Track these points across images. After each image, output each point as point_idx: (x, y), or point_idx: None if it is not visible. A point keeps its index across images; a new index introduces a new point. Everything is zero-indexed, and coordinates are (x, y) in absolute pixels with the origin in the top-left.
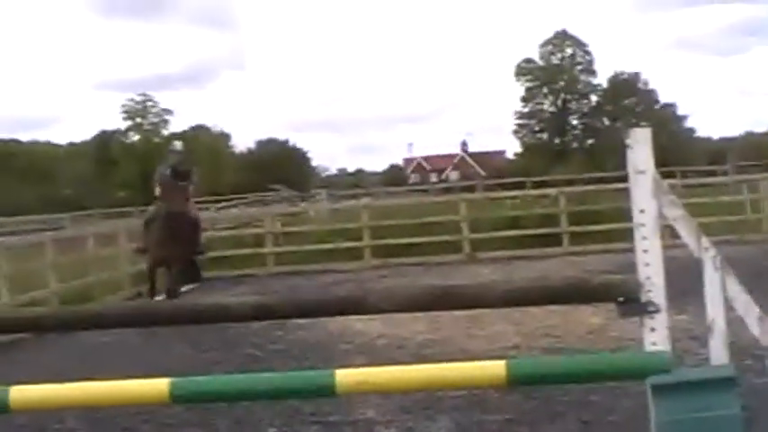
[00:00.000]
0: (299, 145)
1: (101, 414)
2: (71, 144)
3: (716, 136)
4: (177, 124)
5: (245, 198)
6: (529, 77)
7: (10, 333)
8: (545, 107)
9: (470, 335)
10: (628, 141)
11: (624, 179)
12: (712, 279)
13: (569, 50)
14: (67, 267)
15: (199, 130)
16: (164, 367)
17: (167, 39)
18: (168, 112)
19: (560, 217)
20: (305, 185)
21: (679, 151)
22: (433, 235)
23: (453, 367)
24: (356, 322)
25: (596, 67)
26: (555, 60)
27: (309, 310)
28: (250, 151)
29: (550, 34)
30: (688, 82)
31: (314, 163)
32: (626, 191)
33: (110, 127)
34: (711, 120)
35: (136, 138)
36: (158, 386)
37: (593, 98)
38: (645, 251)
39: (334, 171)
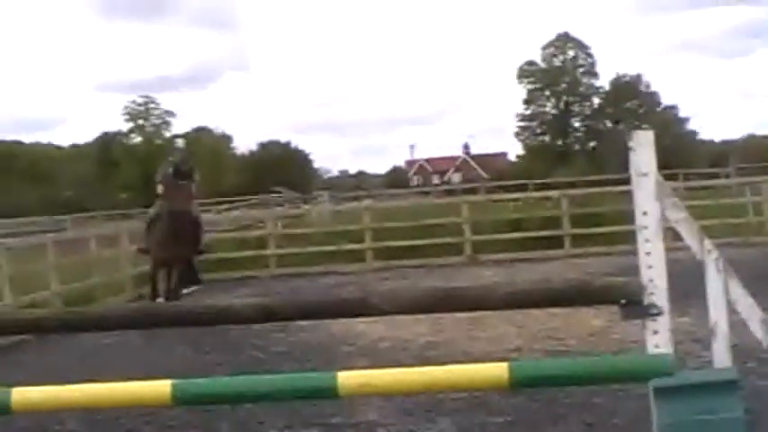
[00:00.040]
0: (300, 147)
1: (102, 416)
2: (73, 146)
3: (718, 138)
4: (179, 126)
5: (247, 200)
6: (531, 80)
7: (11, 334)
8: (547, 109)
9: (472, 337)
10: (630, 144)
11: (626, 182)
12: (715, 281)
13: (571, 53)
14: (69, 269)
15: (201, 132)
16: (165, 369)
17: (169, 40)
18: (170, 113)
19: (562, 219)
20: (307, 187)
21: (681, 154)
22: (435, 237)
23: (455, 369)
24: (358, 324)
25: (598, 69)
26: (557, 62)
27: (312, 311)
28: (252, 153)
29: (552, 36)
30: (691, 84)
31: (316, 165)
32: (628, 193)
33: (111, 129)
34: (714, 122)
35: (138, 139)
36: (160, 388)
37: (595, 100)
38: (647, 253)
39: (336, 173)
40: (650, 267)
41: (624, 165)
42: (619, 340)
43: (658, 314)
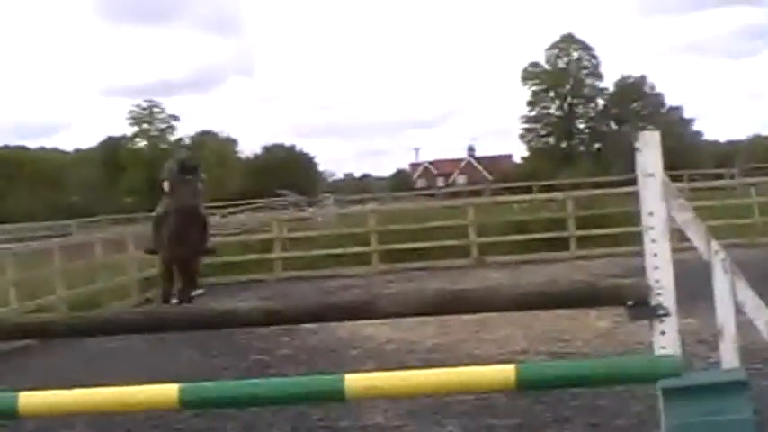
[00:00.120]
0: (305, 150)
1: (109, 419)
2: (78, 151)
3: (723, 139)
4: (184, 130)
5: (253, 203)
6: (535, 81)
7: (18, 339)
8: (551, 111)
9: (479, 339)
10: (637, 144)
11: (631, 183)
12: (722, 282)
13: (576, 54)
14: (75, 274)
15: (205, 136)
16: (172, 373)
17: (173, 45)
18: (175, 117)
19: (568, 221)
20: (312, 191)
21: (686, 155)
22: (441, 239)
23: (462, 371)
24: (365, 327)
25: (603, 70)
26: (561, 64)
27: (318, 314)
28: (257, 157)
29: (557, 38)
30: (695, 85)
31: (321, 168)
32: (633, 194)
33: (116, 133)
34: (719, 123)
35: (142, 144)
36: (167, 392)
37: (600, 102)
38: (654, 254)
39: (340, 176)
40: (657, 268)
41: (629, 166)
42: (624, 342)
43: (665, 315)
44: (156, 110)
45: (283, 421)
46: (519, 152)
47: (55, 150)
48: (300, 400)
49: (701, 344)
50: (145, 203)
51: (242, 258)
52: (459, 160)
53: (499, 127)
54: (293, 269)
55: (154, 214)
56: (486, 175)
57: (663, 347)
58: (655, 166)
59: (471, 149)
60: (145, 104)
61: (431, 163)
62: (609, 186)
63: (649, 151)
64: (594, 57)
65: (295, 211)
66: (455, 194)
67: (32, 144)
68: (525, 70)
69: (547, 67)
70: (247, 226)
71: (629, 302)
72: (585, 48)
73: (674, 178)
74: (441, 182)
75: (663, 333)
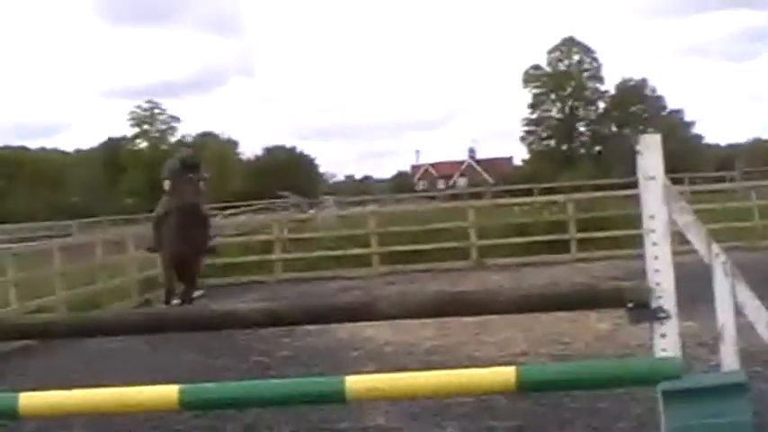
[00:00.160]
0: (306, 152)
1: (109, 420)
2: (78, 151)
3: (724, 142)
4: (184, 131)
5: (254, 205)
6: (536, 84)
7: (18, 339)
8: (552, 114)
9: (479, 341)
10: (638, 147)
11: (632, 185)
12: (722, 285)
13: (577, 57)
14: (75, 274)
15: (206, 137)
16: (172, 374)
17: (174, 46)
18: (175, 119)
19: (568, 223)
20: (312, 192)
21: (687, 157)
22: (441, 241)
23: (462, 373)
24: (365, 329)
25: (604, 73)
26: (562, 67)
27: (319, 316)
28: (257, 158)
29: (558, 41)
30: (697, 88)
31: (321, 170)
32: (634, 197)
33: (117, 134)
34: (720, 126)
35: (143, 145)
36: (168, 393)
37: (601, 105)
38: (655, 257)
39: (341, 178)
40: (657, 271)
41: (630, 169)
42: (624, 344)
43: (666, 318)
44: (156, 111)
45: (284, 423)
46: (520, 154)
47: (55, 151)
48: (301, 402)
49: (701, 346)
50: (145, 204)
51: (242, 260)
52: (460, 162)
53: (500, 129)
54: (294, 271)
55: (153, 215)
56: (487, 177)
57: (663, 350)
58: (656, 169)
59: (472, 152)
60: (146, 105)
61: (432, 165)
62: (610, 189)
63: (650, 154)
64: (596, 59)
65: (296, 213)
66: (456, 196)
67: (33, 144)
68: (526, 73)
69: (548, 69)
70: (248, 227)
71: (630, 305)
72: (587, 50)
73: (675, 181)
74: (441, 184)
75: (663, 336)
